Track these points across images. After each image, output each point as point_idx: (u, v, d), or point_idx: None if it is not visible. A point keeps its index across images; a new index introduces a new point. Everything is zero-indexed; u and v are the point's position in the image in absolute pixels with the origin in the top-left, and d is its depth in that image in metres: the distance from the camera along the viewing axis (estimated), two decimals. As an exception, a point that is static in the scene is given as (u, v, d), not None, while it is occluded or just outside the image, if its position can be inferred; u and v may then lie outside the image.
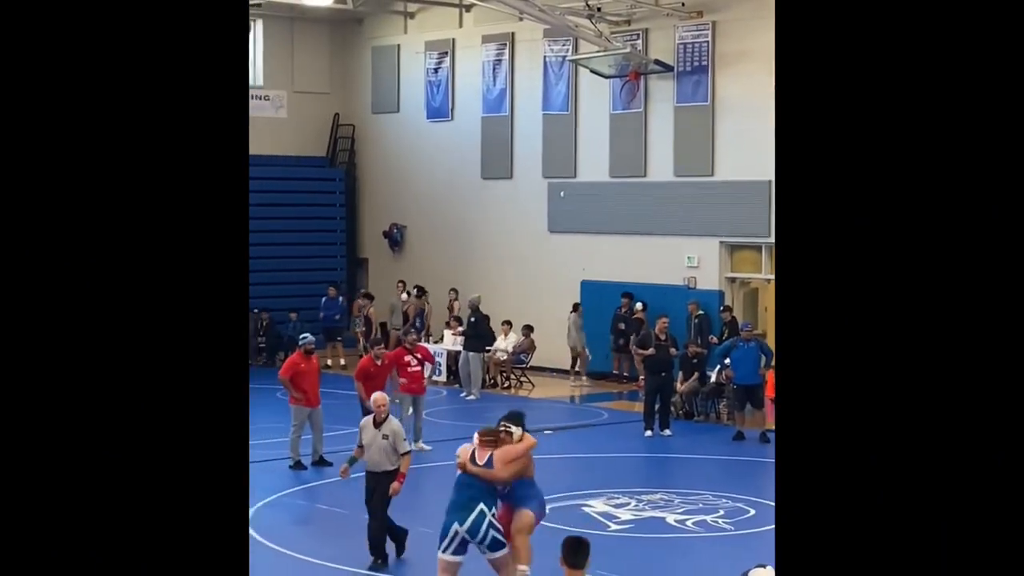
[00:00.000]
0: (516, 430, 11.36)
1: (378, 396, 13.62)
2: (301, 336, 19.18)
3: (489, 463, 11.06)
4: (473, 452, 11.18)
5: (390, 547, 13.33)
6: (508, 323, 26.49)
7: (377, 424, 13.24)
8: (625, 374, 26.39)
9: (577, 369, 27.09)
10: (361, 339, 28.56)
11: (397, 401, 19.37)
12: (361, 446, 13.28)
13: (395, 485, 12.98)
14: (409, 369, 19.44)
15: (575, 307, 26.86)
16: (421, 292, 29.30)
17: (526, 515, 11.17)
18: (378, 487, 13.10)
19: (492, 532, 10.89)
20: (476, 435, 11.37)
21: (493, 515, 10.94)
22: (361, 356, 22.10)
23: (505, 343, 26.35)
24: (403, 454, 13.13)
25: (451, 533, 10.92)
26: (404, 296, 29.43)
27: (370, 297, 29.70)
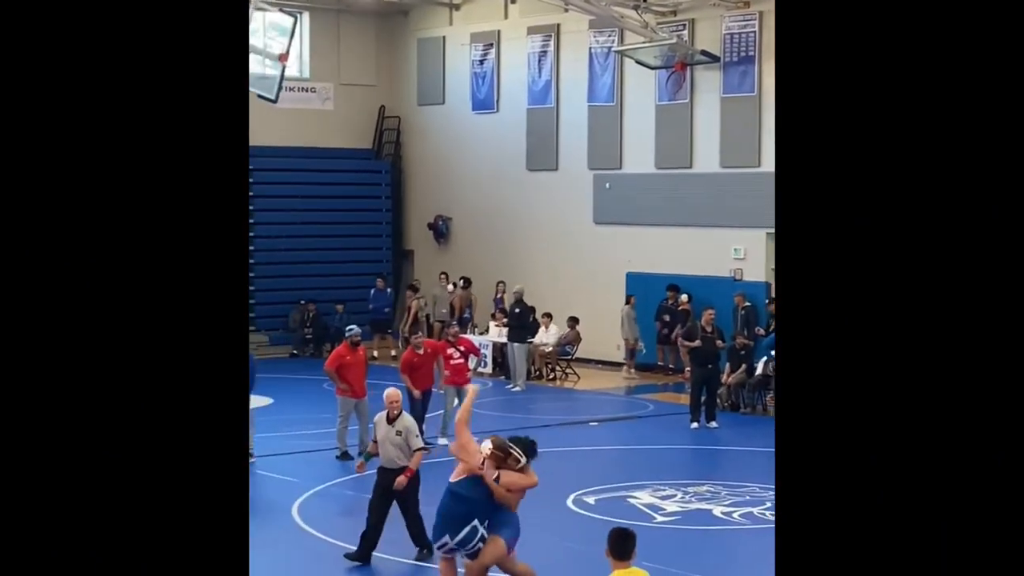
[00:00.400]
0: (524, 460, 11.13)
1: (390, 392, 13.49)
2: (347, 328, 19.24)
3: (496, 480, 10.93)
4: (484, 461, 11.01)
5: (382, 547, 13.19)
6: (548, 315, 26.46)
7: (390, 420, 13.18)
8: (671, 366, 26.33)
9: (624, 360, 27.04)
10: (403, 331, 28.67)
11: (442, 392, 19.41)
12: (376, 441, 13.27)
13: (400, 479, 12.91)
14: (452, 361, 19.46)
15: (628, 299, 26.80)
16: (467, 284, 29.32)
17: (498, 543, 10.97)
18: (391, 484, 13.01)
19: (480, 544, 10.92)
20: (488, 445, 11.18)
21: (485, 527, 10.92)
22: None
23: (546, 335, 26.33)
24: (415, 450, 13.07)
25: (441, 543, 10.98)
26: (450, 287, 29.47)
27: (414, 289, 29.76)
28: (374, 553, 12.97)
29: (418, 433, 13.28)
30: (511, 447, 11.12)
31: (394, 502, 13.11)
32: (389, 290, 29.98)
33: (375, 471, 13.47)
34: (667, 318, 25.93)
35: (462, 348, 19.92)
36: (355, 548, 13.03)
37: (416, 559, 13.06)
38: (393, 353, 28.46)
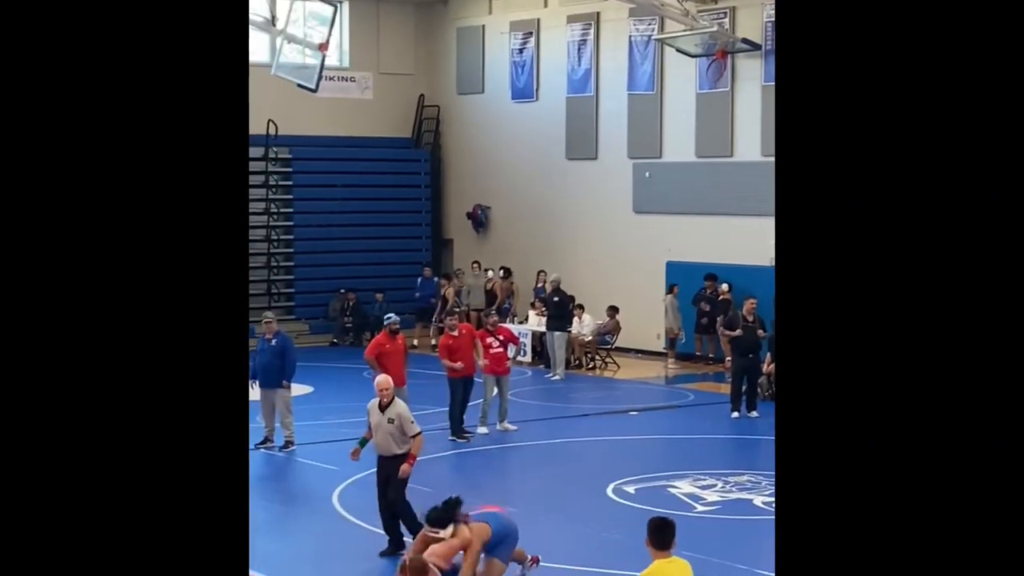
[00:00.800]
0: (444, 532, 10.82)
1: (381, 379, 13.33)
2: (386, 316, 19.29)
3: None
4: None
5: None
6: (581, 307, 26.36)
7: (382, 408, 13.01)
8: (709, 355, 26.25)
9: (665, 349, 26.99)
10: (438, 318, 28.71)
11: (481, 380, 19.41)
12: (371, 428, 13.15)
13: (405, 467, 12.81)
14: (491, 350, 19.44)
15: (671, 288, 26.71)
16: (508, 273, 29.32)
17: (496, 565, 11.11)
18: (391, 472, 12.92)
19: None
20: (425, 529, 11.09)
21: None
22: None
23: (580, 326, 26.27)
24: (413, 436, 12.91)
25: None
26: (489, 274, 29.48)
27: (448, 277, 29.82)
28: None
29: (412, 419, 13.07)
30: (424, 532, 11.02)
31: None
32: (435, 279, 30.03)
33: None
34: (706, 307, 25.82)
35: (501, 337, 19.89)
36: (386, 545, 12.99)
37: (380, 553, 12.98)
38: (433, 342, 28.53)
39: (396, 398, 13.15)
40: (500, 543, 11.13)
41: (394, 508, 12.96)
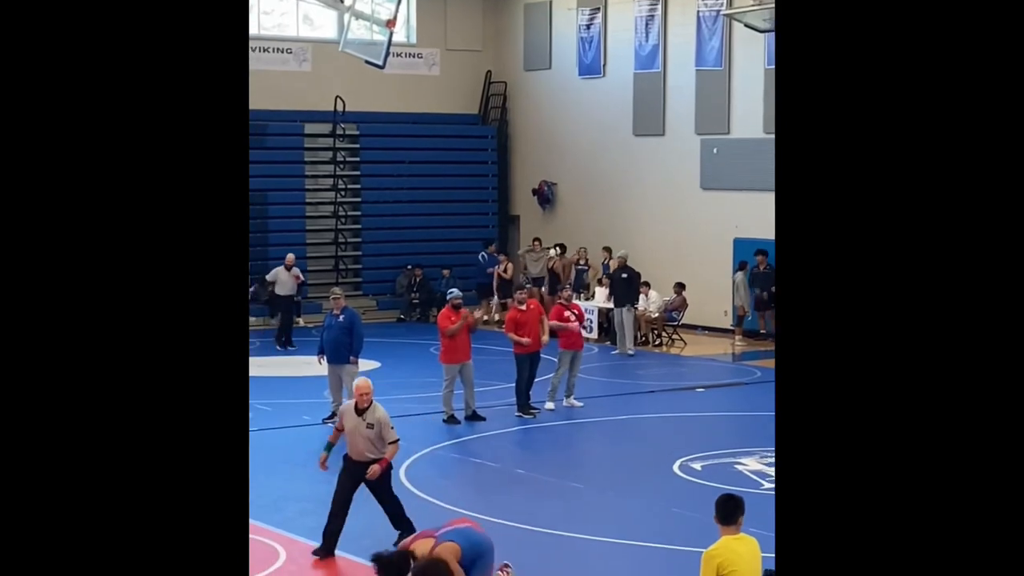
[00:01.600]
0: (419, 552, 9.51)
1: (361, 383, 12.38)
2: (449, 291, 19.36)
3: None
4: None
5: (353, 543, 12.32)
6: (647, 283, 26.25)
7: (359, 411, 12.18)
8: (768, 332, 26.09)
9: (732, 326, 26.89)
10: (497, 295, 28.74)
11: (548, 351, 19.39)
12: (340, 430, 12.42)
13: (375, 467, 12.05)
14: (568, 325, 19.41)
15: (742, 265, 26.57)
16: (563, 251, 29.29)
17: None
18: (360, 476, 12.16)
19: None
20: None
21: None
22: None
23: (647, 303, 26.19)
24: (391, 442, 12.18)
25: None
26: (551, 252, 29.47)
27: (506, 254, 29.89)
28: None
29: (392, 425, 12.33)
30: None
31: (359, 492, 12.22)
32: (498, 255, 30.05)
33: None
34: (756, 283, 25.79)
35: (576, 311, 19.85)
36: (319, 544, 12.27)
37: (396, 544, 11.91)
38: (497, 318, 28.61)
39: (375, 402, 12.28)
40: (475, 562, 9.70)
41: (387, 505, 12.36)
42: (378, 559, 9.23)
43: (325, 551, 12.14)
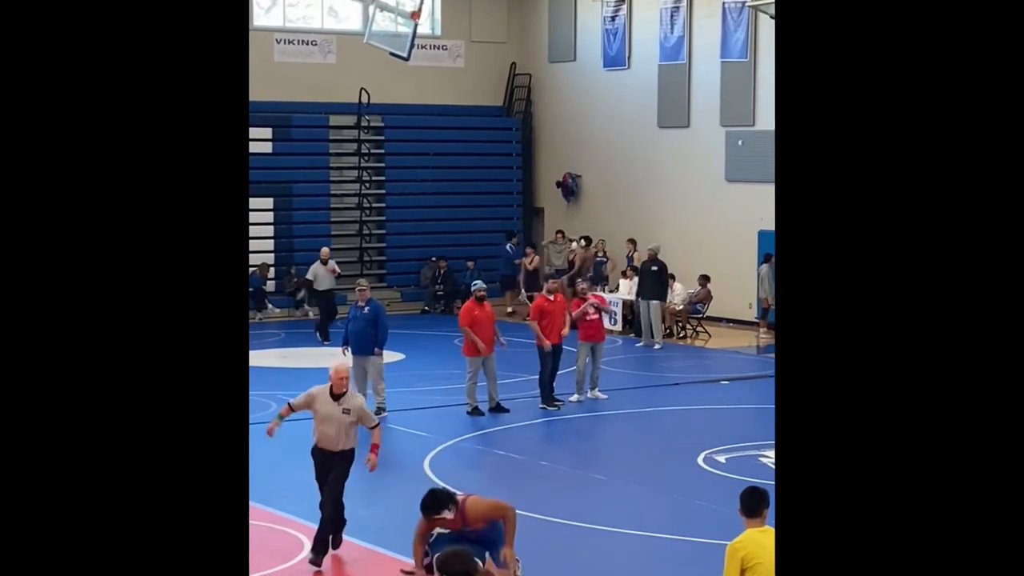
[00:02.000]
0: (448, 513, 9.76)
1: (339, 366, 11.87)
2: (473, 283, 19.36)
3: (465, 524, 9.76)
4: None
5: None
6: (672, 276, 26.20)
7: (335, 396, 11.62)
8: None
9: (757, 319, 26.84)
10: (522, 287, 28.77)
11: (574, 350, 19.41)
12: (291, 406, 11.86)
13: (373, 458, 11.60)
14: (588, 317, 19.42)
15: (767, 258, 26.51)
16: (589, 242, 29.28)
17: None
18: (333, 468, 11.66)
19: None
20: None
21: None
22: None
23: (671, 295, 26.15)
24: (372, 427, 11.71)
25: None
26: (574, 245, 29.47)
27: (532, 246, 29.90)
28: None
29: (371, 410, 12.06)
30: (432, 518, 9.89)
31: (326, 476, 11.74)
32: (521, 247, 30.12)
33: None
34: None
35: (597, 304, 19.85)
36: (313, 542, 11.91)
37: (309, 561, 11.75)
38: (509, 310, 28.66)
39: (352, 390, 11.93)
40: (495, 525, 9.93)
41: (335, 502, 11.75)
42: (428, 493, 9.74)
43: (317, 551, 11.74)
